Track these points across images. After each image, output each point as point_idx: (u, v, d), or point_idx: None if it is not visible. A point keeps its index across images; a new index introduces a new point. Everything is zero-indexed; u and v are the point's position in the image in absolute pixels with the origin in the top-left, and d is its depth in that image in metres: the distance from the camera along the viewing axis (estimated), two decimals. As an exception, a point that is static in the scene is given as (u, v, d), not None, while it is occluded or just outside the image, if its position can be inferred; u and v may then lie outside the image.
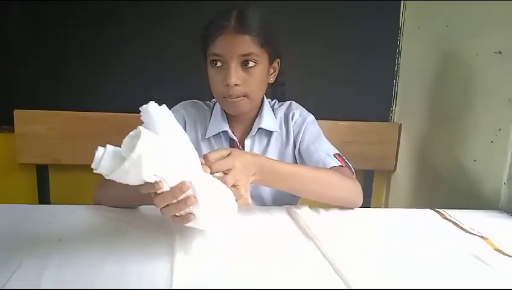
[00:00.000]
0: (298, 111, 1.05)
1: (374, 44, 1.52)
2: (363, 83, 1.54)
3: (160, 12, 1.39)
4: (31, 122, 1.37)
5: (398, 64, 1.55)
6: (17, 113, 1.35)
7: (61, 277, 0.55)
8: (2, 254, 0.61)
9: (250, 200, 0.71)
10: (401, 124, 1.56)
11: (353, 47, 1.51)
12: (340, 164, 0.95)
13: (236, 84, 0.88)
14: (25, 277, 0.55)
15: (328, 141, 1.02)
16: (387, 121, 1.59)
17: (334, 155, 0.97)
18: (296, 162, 1.02)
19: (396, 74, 1.55)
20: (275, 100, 1.09)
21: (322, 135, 1.04)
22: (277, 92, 1.08)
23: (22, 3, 1.33)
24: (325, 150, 0.98)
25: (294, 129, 1.03)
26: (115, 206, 0.83)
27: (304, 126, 1.02)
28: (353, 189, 0.90)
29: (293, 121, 1.03)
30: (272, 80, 0.98)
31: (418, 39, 1.44)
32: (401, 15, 1.51)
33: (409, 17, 1.49)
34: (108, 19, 1.38)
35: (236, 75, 0.87)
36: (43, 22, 1.35)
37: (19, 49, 1.36)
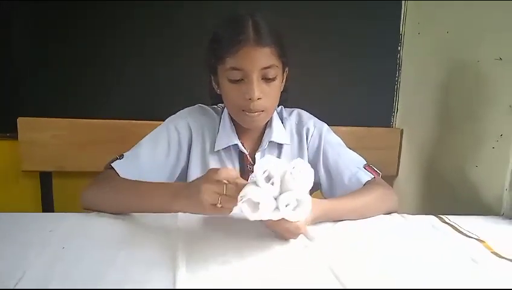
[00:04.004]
0: (311, 123, 1.03)
1: (375, 49, 1.53)
2: (364, 88, 1.55)
3: (166, 20, 1.40)
4: (34, 129, 1.37)
5: (399, 69, 1.55)
6: (20, 120, 1.36)
7: (65, 286, 0.56)
8: (5, 262, 0.61)
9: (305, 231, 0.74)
10: (402, 129, 1.56)
11: (354, 52, 1.52)
12: (373, 176, 0.95)
13: (258, 98, 0.87)
14: (29, 286, 0.55)
15: (349, 149, 1.02)
16: (388, 126, 1.60)
17: (364, 167, 0.97)
18: None
19: (398, 79, 1.56)
20: (281, 107, 1.06)
21: (342, 142, 1.03)
22: (281, 98, 1.06)
23: (24, 11, 1.34)
24: (354, 163, 0.98)
25: (312, 144, 1.01)
26: (101, 211, 0.81)
27: (323, 139, 1.00)
28: (393, 198, 0.95)
29: (310, 136, 1.01)
30: (282, 88, 0.96)
31: (419, 45, 1.45)
32: (401, 21, 1.52)
33: (410, 23, 1.50)
34: (112, 28, 1.39)
35: (259, 89, 0.86)
36: (46, 30, 1.36)
37: (22, 57, 1.36)
